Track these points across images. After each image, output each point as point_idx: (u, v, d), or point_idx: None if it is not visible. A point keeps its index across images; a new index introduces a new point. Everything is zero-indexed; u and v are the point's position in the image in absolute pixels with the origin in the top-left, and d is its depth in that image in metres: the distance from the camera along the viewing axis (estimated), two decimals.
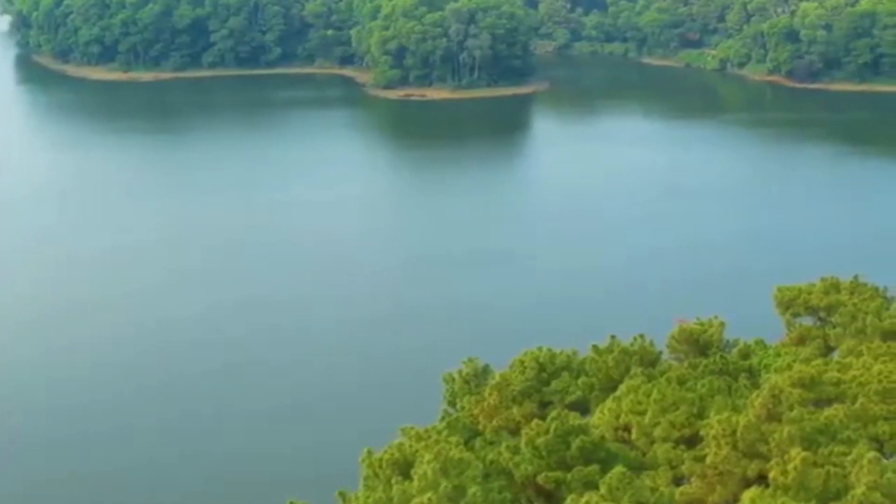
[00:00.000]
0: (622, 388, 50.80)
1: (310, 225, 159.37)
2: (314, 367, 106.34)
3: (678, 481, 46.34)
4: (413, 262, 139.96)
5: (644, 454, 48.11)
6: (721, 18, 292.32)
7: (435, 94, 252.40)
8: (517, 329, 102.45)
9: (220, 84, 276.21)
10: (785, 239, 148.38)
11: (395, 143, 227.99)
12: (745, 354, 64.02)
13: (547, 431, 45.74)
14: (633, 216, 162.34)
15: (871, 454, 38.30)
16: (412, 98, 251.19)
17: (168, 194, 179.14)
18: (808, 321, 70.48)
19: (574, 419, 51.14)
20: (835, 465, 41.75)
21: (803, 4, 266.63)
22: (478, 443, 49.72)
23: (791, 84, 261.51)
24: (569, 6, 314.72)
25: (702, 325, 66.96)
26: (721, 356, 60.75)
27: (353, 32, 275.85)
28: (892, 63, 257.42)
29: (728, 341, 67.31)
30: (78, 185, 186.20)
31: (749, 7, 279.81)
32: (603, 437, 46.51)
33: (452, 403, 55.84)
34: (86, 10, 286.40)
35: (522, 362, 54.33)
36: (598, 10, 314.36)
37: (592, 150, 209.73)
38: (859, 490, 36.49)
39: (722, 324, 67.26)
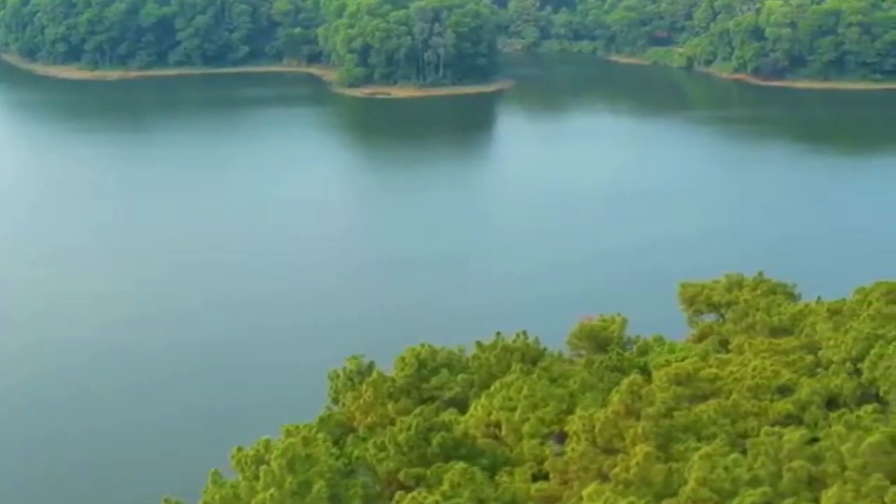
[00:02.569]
0: (496, 384, 50.81)
1: (268, 224, 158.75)
2: (234, 371, 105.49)
3: (542, 477, 46.35)
4: (356, 263, 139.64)
5: (512, 450, 48.11)
6: (689, 16, 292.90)
7: (400, 92, 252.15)
8: (444, 328, 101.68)
9: (186, 83, 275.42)
10: (729, 237, 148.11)
11: (358, 142, 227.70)
12: (644, 351, 64.17)
13: (409, 428, 45.67)
14: (588, 216, 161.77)
15: (705, 450, 38.24)
16: (377, 96, 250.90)
17: (131, 193, 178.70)
18: (712, 317, 70.74)
19: (450, 415, 51.23)
20: (683, 461, 41.82)
21: (769, 2, 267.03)
22: (349, 439, 49.66)
23: (756, 82, 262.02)
24: (538, 5, 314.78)
25: (604, 322, 67.10)
26: (617, 353, 60.91)
27: (320, 31, 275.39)
28: (856, 61, 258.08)
29: (629, 338, 67.45)
30: (42, 183, 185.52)
31: (715, 5, 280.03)
32: (466, 434, 46.44)
33: (336, 400, 55.78)
34: (52, 8, 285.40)
35: (404, 359, 54.31)
36: (567, 9, 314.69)
37: (555, 148, 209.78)
38: (689, 486, 36.49)
39: (624, 321, 67.47)
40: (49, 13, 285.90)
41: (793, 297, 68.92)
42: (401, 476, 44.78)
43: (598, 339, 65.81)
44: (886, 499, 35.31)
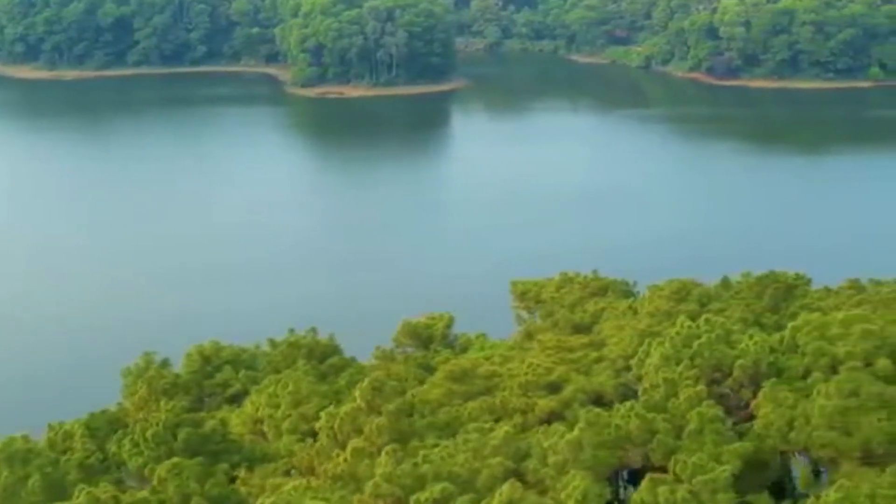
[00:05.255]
0: (265, 381, 50.83)
1: (202, 222, 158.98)
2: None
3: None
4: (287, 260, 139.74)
5: (272, 446, 48.10)
6: (648, 16, 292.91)
7: (352, 91, 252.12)
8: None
9: (144, 82, 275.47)
10: (656, 238, 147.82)
11: (306, 141, 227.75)
12: (465, 348, 64.30)
13: (157, 424, 45.66)
14: (526, 215, 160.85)
15: (391, 447, 38.21)
16: (329, 96, 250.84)
17: (86, 192, 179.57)
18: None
19: (227, 411, 51.22)
20: (413, 457, 41.74)
21: (724, 1, 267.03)
22: (118, 435, 49.57)
23: (711, 81, 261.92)
24: (500, 4, 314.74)
25: (431, 319, 67.26)
26: (434, 351, 60.99)
27: (277, 31, 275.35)
28: (810, 60, 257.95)
29: (456, 335, 67.60)
30: None
31: (672, 4, 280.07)
32: (215, 430, 46.31)
33: (127, 396, 55.73)
34: (10, 8, 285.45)
35: (189, 355, 54.29)
36: (528, 8, 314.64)
37: (505, 148, 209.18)
38: (374, 480, 36.49)
39: (450, 319, 67.58)
40: (7, 13, 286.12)
41: (628, 294, 69.05)
42: (146, 472, 44.74)
43: (422, 337, 65.96)
44: (564, 495, 35.26)
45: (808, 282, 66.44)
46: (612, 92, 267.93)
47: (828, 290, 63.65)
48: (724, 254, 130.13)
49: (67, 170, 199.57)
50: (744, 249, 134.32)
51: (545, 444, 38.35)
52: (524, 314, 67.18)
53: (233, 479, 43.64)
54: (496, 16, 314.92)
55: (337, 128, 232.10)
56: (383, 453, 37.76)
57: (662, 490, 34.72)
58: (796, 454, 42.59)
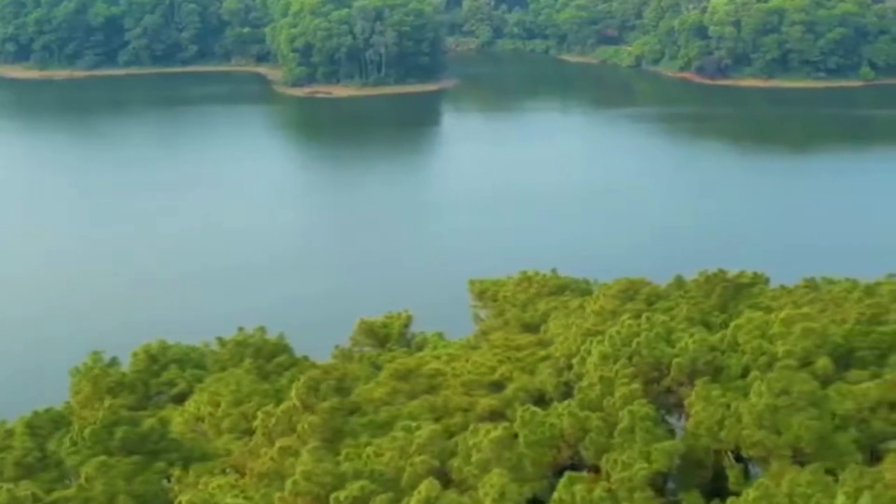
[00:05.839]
0: (207, 380, 50.79)
1: (184, 221, 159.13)
2: None
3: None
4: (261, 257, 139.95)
5: (211, 445, 48.03)
6: (639, 15, 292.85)
7: (341, 91, 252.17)
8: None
9: (135, 82, 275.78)
10: (637, 236, 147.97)
11: (292, 140, 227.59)
12: (420, 347, 64.22)
13: (95, 422, 45.58)
14: (500, 218, 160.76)
15: (313, 444, 38.15)
16: (317, 95, 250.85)
17: (70, 192, 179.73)
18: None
19: (171, 410, 51.18)
20: (344, 456, 41.67)
21: (714, 1, 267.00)
22: (59, 434, 49.52)
23: (701, 80, 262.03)
24: (492, 4, 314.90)
25: (388, 318, 67.17)
26: (388, 349, 60.87)
27: (267, 30, 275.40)
28: (799, 59, 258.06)
29: (413, 334, 67.48)
30: None
31: (663, 4, 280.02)
32: (153, 428, 46.18)
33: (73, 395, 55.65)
34: (1, 8, 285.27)
35: (136, 354, 54.26)
36: (520, 8, 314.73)
37: (492, 147, 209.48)
38: (293, 478, 36.46)
39: (408, 317, 67.40)
40: None
41: (587, 292, 68.85)
42: (83, 470, 44.66)
43: (379, 336, 65.81)
44: (482, 493, 35.21)
45: (766, 281, 66.18)
46: (603, 91, 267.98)
47: (784, 289, 63.38)
48: (702, 252, 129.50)
49: (55, 170, 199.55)
50: (722, 248, 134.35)
51: (470, 443, 38.28)
52: (482, 313, 67.01)
53: (169, 478, 43.59)
54: (488, 15, 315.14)
55: (324, 127, 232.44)
56: (304, 451, 37.71)
57: (579, 488, 34.64)
58: (729, 453, 42.47)
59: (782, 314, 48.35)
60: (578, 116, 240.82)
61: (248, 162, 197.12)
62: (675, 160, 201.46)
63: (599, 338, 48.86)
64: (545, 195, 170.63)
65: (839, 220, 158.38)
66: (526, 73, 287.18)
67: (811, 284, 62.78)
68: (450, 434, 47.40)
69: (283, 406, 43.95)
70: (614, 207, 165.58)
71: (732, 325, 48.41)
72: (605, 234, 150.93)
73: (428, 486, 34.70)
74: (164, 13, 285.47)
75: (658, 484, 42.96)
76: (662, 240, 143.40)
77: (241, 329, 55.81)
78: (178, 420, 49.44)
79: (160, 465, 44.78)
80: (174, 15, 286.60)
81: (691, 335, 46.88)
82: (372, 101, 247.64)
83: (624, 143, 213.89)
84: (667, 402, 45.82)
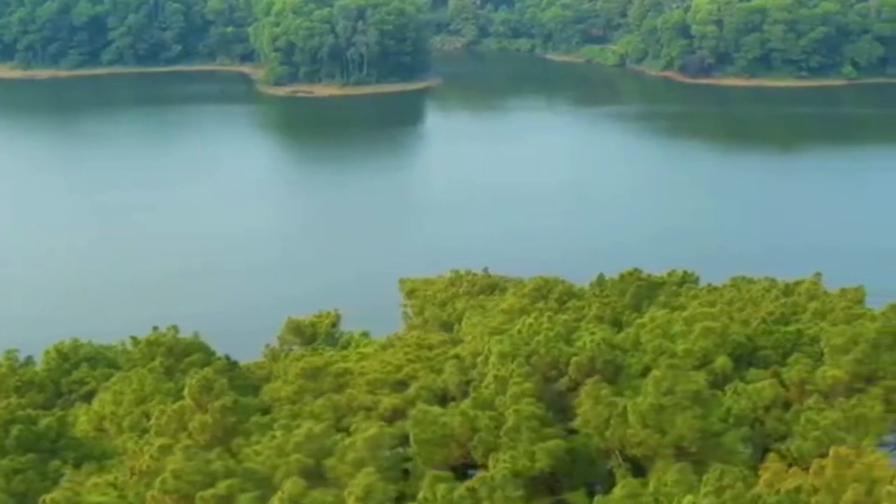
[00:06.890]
0: (113, 378, 50.70)
1: (157, 222, 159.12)
2: None
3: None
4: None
5: (111, 444, 47.94)
6: (623, 14, 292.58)
7: (323, 90, 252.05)
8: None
9: (118, 81, 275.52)
10: (608, 236, 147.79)
11: (270, 139, 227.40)
12: (347, 345, 64.19)
13: None
14: (477, 214, 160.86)
15: (185, 443, 38.05)
16: (298, 95, 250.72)
17: (49, 191, 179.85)
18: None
19: (79, 410, 51.09)
20: (233, 455, 41.53)
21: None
22: None
23: (683, 79, 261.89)
24: (477, 3, 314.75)
25: (317, 317, 67.10)
26: (315, 348, 60.80)
27: (250, 30, 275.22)
28: (782, 58, 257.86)
29: (341, 333, 67.43)
30: None
31: (646, 3, 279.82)
32: (50, 427, 46.07)
33: None
34: None
35: (48, 353, 54.19)
36: (506, 7, 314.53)
37: (473, 145, 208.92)
38: (162, 476, 36.39)
39: (336, 316, 67.38)
40: None
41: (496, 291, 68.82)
42: None
43: (306, 335, 65.81)
44: (347, 492, 35.12)
45: (696, 280, 66.28)
46: (587, 90, 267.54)
47: (710, 288, 63.49)
48: (670, 252, 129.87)
49: (36, 169, 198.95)
50: (694, 247, 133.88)
51: (346, 442, 38.22)
52: (410, 312, 67.04)
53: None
54: (473, 14, 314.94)
55: (304, 127, 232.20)
56: (176, 449, 37.63)
57: (441, 487, 34.56)
58: (617, 452, 42.39)
59: (685, 313, 48.36)
60: (564, 115, 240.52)
61: (227, 161, 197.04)
62: (659, 158, 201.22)
63: (499, 337, 48.84)
64: (525, 194, 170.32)
65: (816, 219, 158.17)
66: (511, 72, 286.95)
67: (736, 283, 62.80)
68: (345, 431, 47.43)
69: (176, 405, 43.83)
70: (587, 206, 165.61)
71: (636, 323, 48.47)
72: (576, 233, 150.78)
73: (292, 484, 34.65)
74: (148, 12, 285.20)
75: (550, 482, 43.04)
76: (631, 239, 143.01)
77: (154, 328, 55.62)
78: (83, 419, 49.36)
79: (55, 463, 44.72)
80: (158, 14, 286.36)
81: (591, 334, 46.83)
82: (353, 100, 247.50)
83: (605, 141, 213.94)
84: (562, 402, 45.77)
